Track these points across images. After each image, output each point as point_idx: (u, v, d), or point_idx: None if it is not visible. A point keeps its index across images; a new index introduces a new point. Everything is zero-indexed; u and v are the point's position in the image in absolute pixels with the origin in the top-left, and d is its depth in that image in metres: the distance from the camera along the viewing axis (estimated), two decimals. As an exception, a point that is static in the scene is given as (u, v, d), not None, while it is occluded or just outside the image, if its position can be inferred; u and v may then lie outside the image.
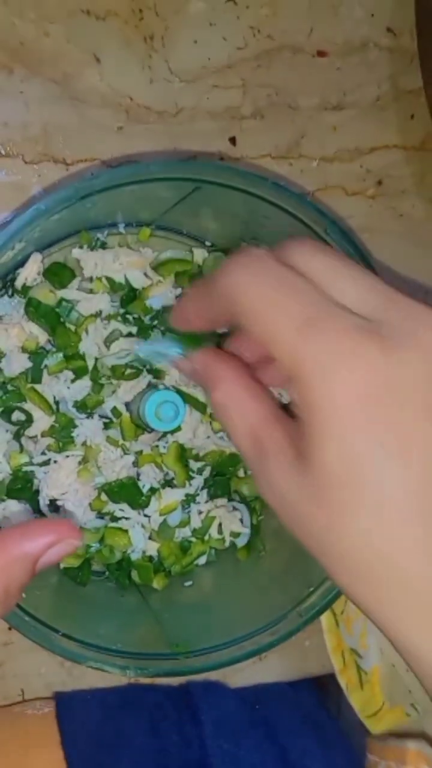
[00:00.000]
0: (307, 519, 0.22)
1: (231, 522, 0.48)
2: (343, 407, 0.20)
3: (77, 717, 0.45)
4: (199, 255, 0.47)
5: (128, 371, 0.44)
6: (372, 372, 0.20)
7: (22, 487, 0.44)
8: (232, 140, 0.50)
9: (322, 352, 0.20)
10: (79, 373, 0.44)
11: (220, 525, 0.48)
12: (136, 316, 0.45)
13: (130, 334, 0.45)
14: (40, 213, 0.35)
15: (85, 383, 0.44)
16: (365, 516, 0.21)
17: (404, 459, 0.20)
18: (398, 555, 0.20)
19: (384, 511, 0.20)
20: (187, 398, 0.45)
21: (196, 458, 0.47)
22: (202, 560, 0.48)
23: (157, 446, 0.46)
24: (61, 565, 0.45)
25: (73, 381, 0.44)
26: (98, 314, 0.45)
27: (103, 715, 0.46)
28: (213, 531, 0.48)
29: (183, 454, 0.46)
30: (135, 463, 0.46)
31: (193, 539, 0.47)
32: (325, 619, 0.51)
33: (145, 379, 0.45)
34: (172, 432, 0.45)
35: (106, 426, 0.45)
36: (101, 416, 0.45)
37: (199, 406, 0.46)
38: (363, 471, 0.20)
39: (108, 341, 0.45)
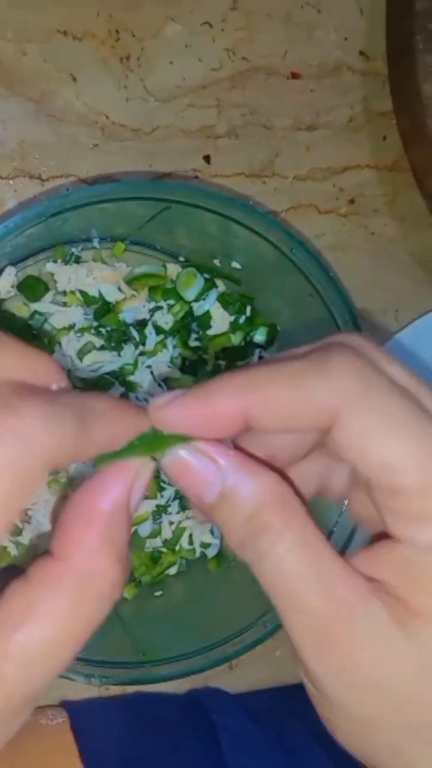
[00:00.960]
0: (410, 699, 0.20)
1: (202, 533, 0.49)
2: None
3: (96, 731, 0.45)
4: (173, 270, 0.48)
5: (100, 384, 0.45)
6: None
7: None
8: (207, 158, 0.51)
9: None
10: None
11: (191, 536, 0.49)
12: (109, 329, 0.46)
13: (102, 347, 0.46)
14: (9, 230, 0.36)
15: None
16: None
17: None
18: None
19: None
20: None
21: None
22: (173, 570, 0.48)
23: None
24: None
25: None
26: (71, 327, 0.46)
27: (122, 731, 0.45)
28: (184, 542, 0.48)
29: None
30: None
31: (164, 550, 0.48)
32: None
33: (117, 391, 0.46)
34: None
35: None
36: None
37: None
38: None
39: (81, 354, 0.46)
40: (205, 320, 0.48)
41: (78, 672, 0.38)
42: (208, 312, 0.48)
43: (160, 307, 0.48)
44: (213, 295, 0.48)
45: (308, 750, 0.47)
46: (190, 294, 0.48)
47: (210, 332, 0.48)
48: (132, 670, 0.40)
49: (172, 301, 0.48)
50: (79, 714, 0.45)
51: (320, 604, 0.20)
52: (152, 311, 0.48)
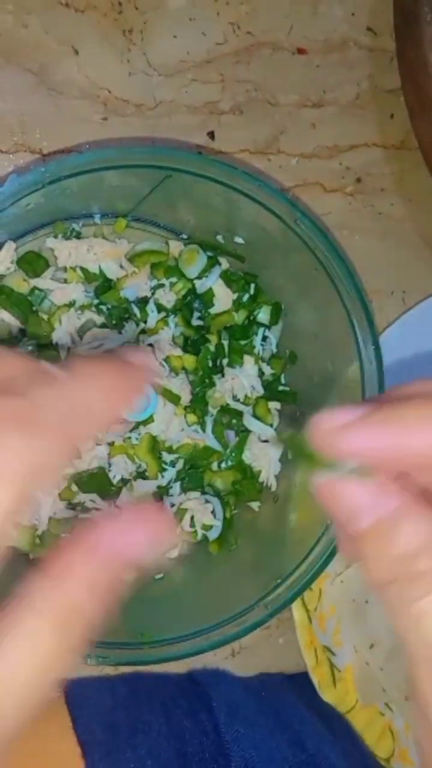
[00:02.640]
0: None
1: (203, 515, 0.48)
2: None
3: (88, 704, 0.45)
4: (175, 247, 0.47)
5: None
6: None
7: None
8: (211, 134, 0.50)
9: None
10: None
11: (192, 518, 0.48)
12: (110, 306, 0.45)
13: (103, 325, 0.45)
14: (6, 197, 0.35)
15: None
16: None
17: None
18: None
19: None
20: (159, 389, 0.45)
21: (170, 450, 0.47)
22: (174, 553, 0.47)
23: (129, 437, 0.46)
24: (31, 556, 0.45)
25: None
26: (72, 304, 0.45)
27: (114, 703, 0.45)
28: (185, 524, 0.47)
29: (155, 446, 0.46)
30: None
31: (165, 532, 0.47)
32: (298, 614, 0.50)
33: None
34: (145, 423, 0.45)
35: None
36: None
37: (173, 398, 0.46)
38: None
39: (81, 332, 0.45)
40: (207, 298, 0.47)
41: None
42: (210, 290, 0.47)
43: (162, 285, 0.47)
44: (216, 272, 0.47)
45: (307, 723, 0.46)
46: (192, 271, 0.47)
47: (213, 310, 0.47)
48: (130, 651, 0.39)
49: (174, 279, 0.47)
50: (73, 688, 0.44)
51: None
52: (154, 289, 0.47)
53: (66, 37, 0.46)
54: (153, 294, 0.47)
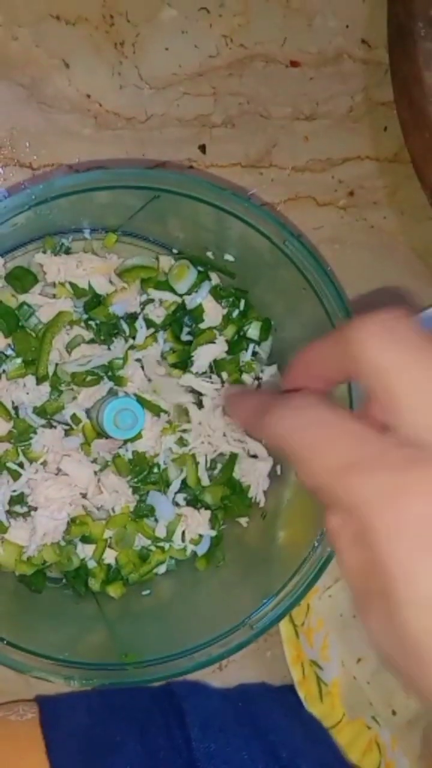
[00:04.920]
0: None
1: (199, 524, 0.47)
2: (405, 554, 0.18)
3: (63, 723, 0.44)
4: (165, 262, 0.47)
5: (89, 378, 0.44)
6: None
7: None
8: (202, 148, 0.50)
9: (371, 496, 0.19)
10: (38, 380, 0.44)
11: (183, 533, 0.48)
12: (98, 322, 0.45)
13: (92, 341, 0.45)
14: (-6, 218, 0.35)
15: (45, 389, 0.44)
16: None
17: None
18: None
19: None
20: (147, 406, 0.45)
21: (158, 467, 0.47)
22: (162, 569, 0.48)
23: (118, 454, 0.46)
24: (17, 572, 0.45)
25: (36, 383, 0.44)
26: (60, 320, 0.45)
27: (90, 721, 0.45)
28: (176, 539, 0.47)
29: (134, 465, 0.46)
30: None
31: (153, 548, 0.47)
32: (285, 629, 0.50)
33: (106, 386, 0.45)
34: (132, 440, 0.45)
35: (67, 433, 0.45)
36: (60, 422, 0.45)
37: (161, 414, 0.46)
38: None
39: (69, 347, 0.45)
40: (197, 313, 0.47)
41: (58, 674, 0.37)
42: (200, 305, 0.47)
43: (152, 300, 0.47)
44: (206, 287, 0.47)
45: (283, 731, 0.46)
46: (182, 287, 0.47)
47: (203, 326, 0.47)
48: (113, 672, 0.39)
49: (164, 295, 0.47)
50: (48, 708, 0.44)
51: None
52: (143, 304, 0.47)
53: (57, 50, 0.46)
54: (142, 309, 0.46)
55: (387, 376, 0.20)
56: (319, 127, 0.52)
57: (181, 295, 0.47)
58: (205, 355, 0.46)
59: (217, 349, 0.46)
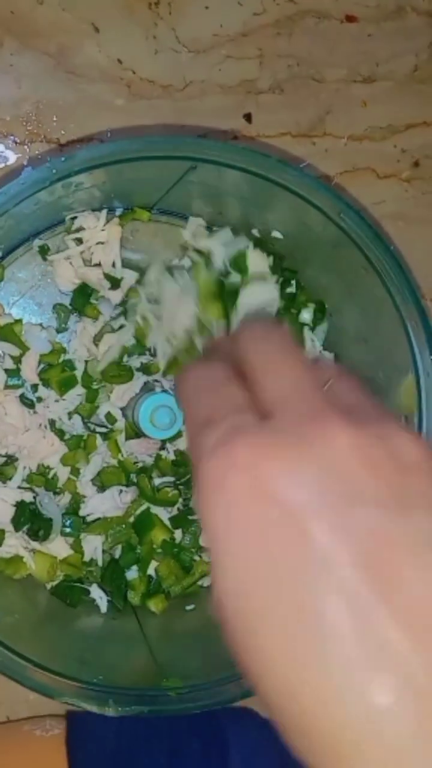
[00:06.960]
0: None
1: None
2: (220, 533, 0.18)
3: (90, 745, 0.42)
4: (188, 231, 0.42)
5: (120, 372, 0.40)
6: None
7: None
8: (247, 117, 0.45)
9: (214, 468, 0.19)
10: (68, 384, 0.40)
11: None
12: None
13: (121, 327, 0.41)
14: (9, 197, 0.31)
15: (77, 391, 0.40)
16: None
17: None
18: None
19: None
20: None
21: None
22: (207, 581, 0.43)
23: (160, 455, 0.42)
24: (49, 585, 0.41)
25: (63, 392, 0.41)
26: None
27: (118, 745, 0.42)
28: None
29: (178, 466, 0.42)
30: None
31: (197, 558, 0.43)
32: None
33: (139, 380, 0.41)
34: (171, 440, 0.41)
35: (105, 437, 0.41)
36: (96, 425, 0.41)
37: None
38: None
39: (96, 339, 0.41)
40: (240, 261, 0.40)
41: (89, 699, 0.34)
42: (244, 252, 0.40)
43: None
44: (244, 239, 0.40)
45: None
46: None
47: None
48: (152, 697, 0.35)
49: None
50: (76, 726, 0.41)
51: None
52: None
53: (86, 14, 0.42)
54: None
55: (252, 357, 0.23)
56: (379, 90, 0.47)
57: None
58: (251, 299, 0.40)
59: (267, 292, 0.40)
